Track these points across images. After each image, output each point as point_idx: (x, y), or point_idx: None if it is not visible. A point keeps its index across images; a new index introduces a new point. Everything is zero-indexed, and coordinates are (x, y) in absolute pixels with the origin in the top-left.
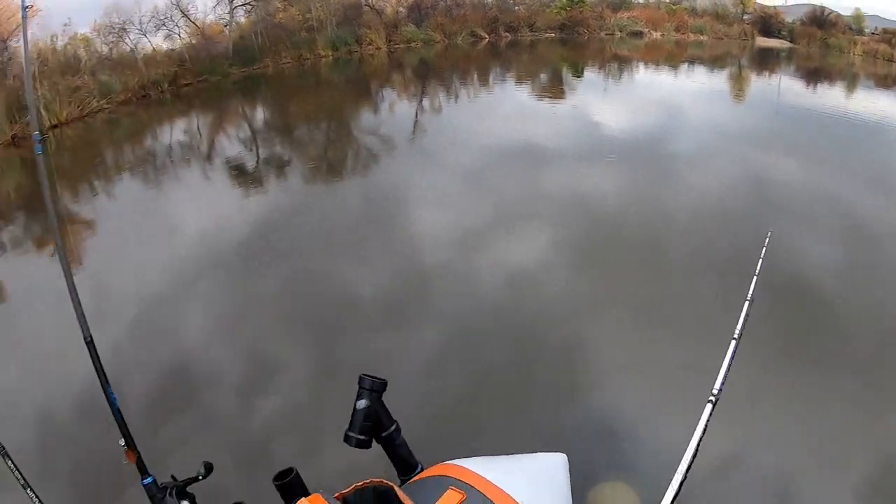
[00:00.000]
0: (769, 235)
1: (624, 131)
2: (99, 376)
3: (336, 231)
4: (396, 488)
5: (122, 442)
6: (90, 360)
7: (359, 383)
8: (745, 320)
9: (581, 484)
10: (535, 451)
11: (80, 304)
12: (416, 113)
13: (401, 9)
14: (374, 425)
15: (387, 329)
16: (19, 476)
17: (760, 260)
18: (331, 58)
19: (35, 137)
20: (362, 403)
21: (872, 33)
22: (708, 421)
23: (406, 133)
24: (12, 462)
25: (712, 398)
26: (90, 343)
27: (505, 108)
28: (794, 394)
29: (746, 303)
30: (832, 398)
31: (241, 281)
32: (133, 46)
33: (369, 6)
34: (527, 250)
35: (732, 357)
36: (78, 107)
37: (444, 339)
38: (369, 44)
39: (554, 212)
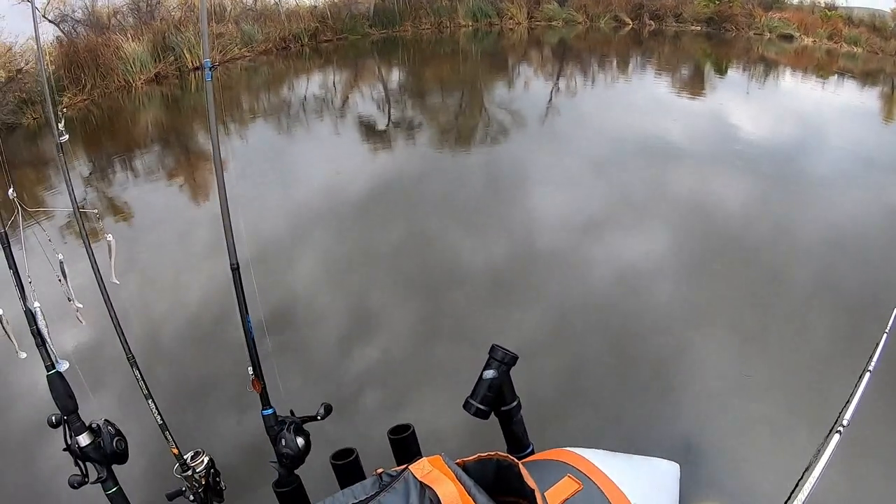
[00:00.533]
0: None
1: (762, 141)
2: (239, 304)
3: (456, 201)
4: (521, 465)
5: (251, 370)
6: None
7: (490, 353)
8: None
9: (688, 494)
10: (649, 455)
11: (231, 230)
12: (551, 93)
13: None
14: (496, 397)
15: (493, 304)
16: (143, 386)
17: None
18: (470, 28)
19: (206, 64)
20: (490, 374)
21: None
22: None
23: (538, 113)
24: (140, 372)
25: (840, 429)
26: (235, 269)
27: (640, 100)
28: None
29: (885, 335)
30: None
31: (373, 235)
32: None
33: None
34: (642, 249)
35: (864, 389)
36: (220, 52)
37: (544, 324)
38: (510, 18)
39: (673, 213)
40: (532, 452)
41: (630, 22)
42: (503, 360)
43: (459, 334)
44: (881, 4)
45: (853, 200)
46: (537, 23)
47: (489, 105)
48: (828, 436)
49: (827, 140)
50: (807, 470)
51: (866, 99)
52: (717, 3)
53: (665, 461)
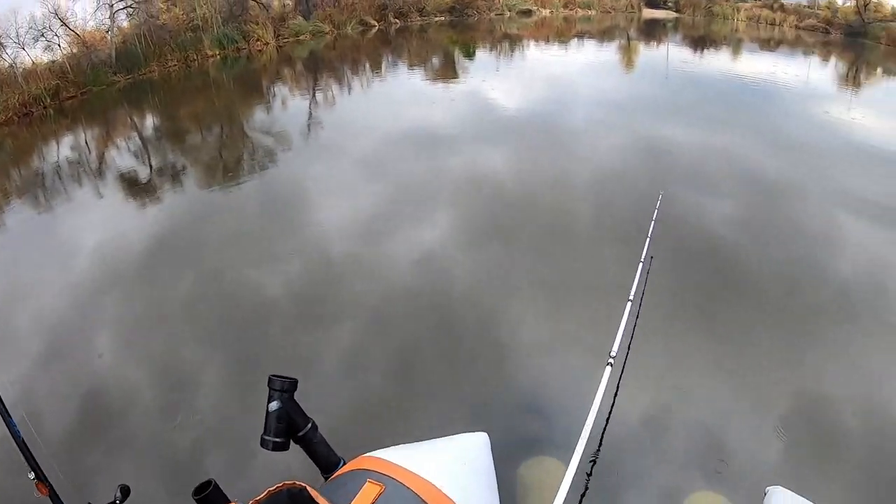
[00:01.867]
0: (660, 197)
1: (519, 109)
2: None
3: (239, 233)
4: (309, 488)
5: (32, 475)
6: None
7: (269, 385)
8: (643, 281)
9: (505, 456)
10: (457, 433)
11: None
12: (310, 107)
13: (287, 1)
14: (288, 426)
15: (297, 329)
16: None
17: (652, 222)
18: (218, 57)
19: None
20: (274, 405)
21: (755, 0)
22: (614, 382)
23: (301, 129)
24: None
25: (611, 360)
26: None
27: (398, 95)
28: (696, 346)
29: (640, 264)
30: (734, 347)
31: (148, 291)
32: (12, 61)
33: (255, 1)
34: (436, 231)
35: (629, 319)
36: None
37: (357, 324)
38: (257, 40)
39: (456, 191)
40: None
41: (376, 23)
42: (283, 388)
43: (265, 369)
44: None
45: (609, 142)
46: (285, 40)
47: (251, 132)
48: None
49: (577, 94)
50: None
51: (606, 54)
52: None
53: (471, 434)
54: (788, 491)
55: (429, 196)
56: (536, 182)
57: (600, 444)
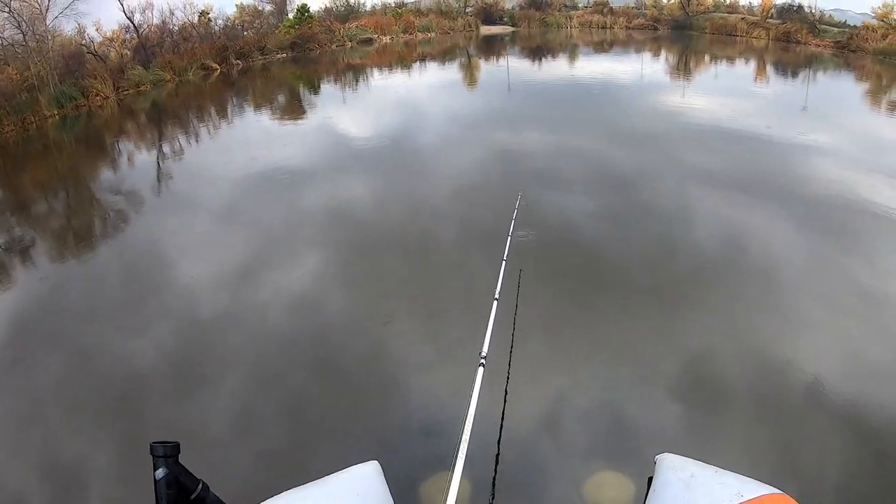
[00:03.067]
0: (519, 197)
1: (371, 137)
2: None
3: (100, 303)
4: None
5: None
6: None
7: (151, 453)
8: (513, 279)
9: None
10: (348, 466)
11: None
12: (158, 161)
13: (126, 51)
14: (178, 491)
15: (178, 394)
16: None
17: (512, 221)
18: (57, 117)
19: None
20: (161, 472)
21: (586, 6)
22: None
23: (151, 184)
24: None
25: (482, 361)
26: None
27: (248, 138)
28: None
29: (503, 262)
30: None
31: (15, 382)
32: None
33: (92, 53)
34: (305, 270)
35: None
36: None
37: (238, 378)
38: (96, 95)
39: (320, 227)
40: None
41: (217, 66)
42: (166, 453)
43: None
44: None
45: (465, 153)
46: (126, 92)
47: (100, 194)
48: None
49: (426, 114)
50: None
51: (448, 73)
52: (297, 26)
53: (362, 465)
54: (677, 456)
55: (292, 236)
56: (399, 203)
57: (499, 445)
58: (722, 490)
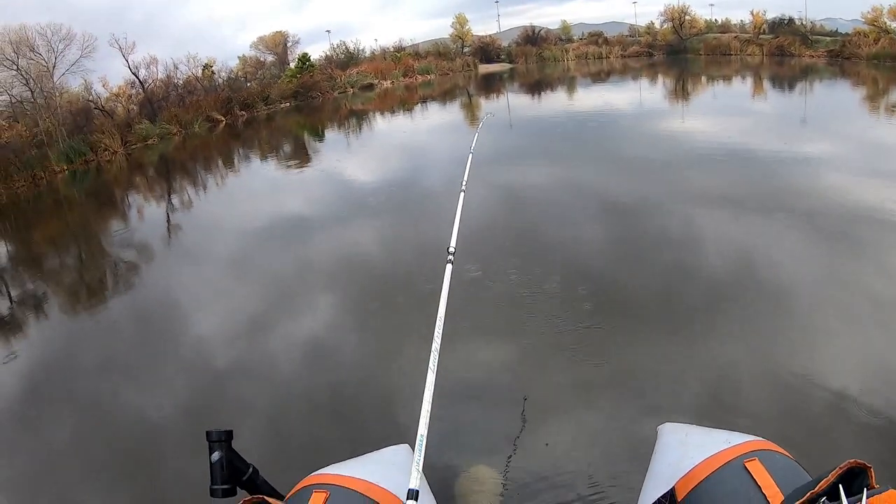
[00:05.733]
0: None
1: (376, 181)
2: None
3: (113, 359)
4: (267, 498)
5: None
6: None
7: (207, 438)
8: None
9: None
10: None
11: None
12: (168, 213)
13: (132, 106)
14: (231, 472)
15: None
16: None
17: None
18: (67, 172)
19: None
20: (216, 455)
21: (581, 39)
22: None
23: (161, 236)
24: None
25: (451, 258)
26: None
27: (255, 188)
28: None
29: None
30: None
31: (30, 440)
32: None
33: (99, 109)
34: (318, 316)
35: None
36: None
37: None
38: (105, 149)
39: (331, 274)
40: None
41: (223, 118)
42: (220, 439)
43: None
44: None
45: (473, 195)
46: (133, 146)
47: (110, 248)
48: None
49: (430, 157)
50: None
51: (449, 114)
52: (299, 76)
53: (395, 446)
54: (676, 423)
55: (303, 285)
56: (409, 249)
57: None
58: (712, 441)
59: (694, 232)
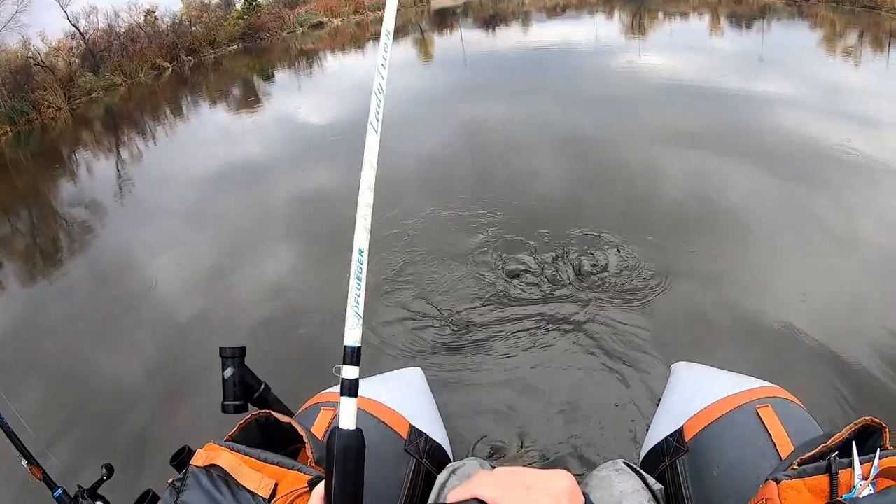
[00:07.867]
0: None
1: (332, 121)
2: None
3: (75, 320)
4: (275, 413)
5: (25, 462)
6: None
7: (220, 354)
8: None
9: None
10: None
11: None
12: (118, 168)
13: (74, 59)
14: (244, 389)
15: (173, 404)
16: None
17: None
18: (10, 134)
19: None
20: (229, 372)
21: None
22: None
23: (113, 192)
24: None
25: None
26: None
27: (206, 135)
28: None
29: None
30: None
31: None
32: None
33: (39, 65)
34: (285, 262)
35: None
36: None
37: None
38: (48, 107)
39: (293, 217)
40: None
41: (168, 64)
42: (233, 355)
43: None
44: None
45: (429, 131)
46: (77, 101)
47: (63, 209)
48: None
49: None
50: None
51: (402, 51)
52: (246, 16)
53: (408, 369)
54: (690, 363)
55: (264, 228)
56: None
57: None
58: (725, 384)
59: (653, 166)
